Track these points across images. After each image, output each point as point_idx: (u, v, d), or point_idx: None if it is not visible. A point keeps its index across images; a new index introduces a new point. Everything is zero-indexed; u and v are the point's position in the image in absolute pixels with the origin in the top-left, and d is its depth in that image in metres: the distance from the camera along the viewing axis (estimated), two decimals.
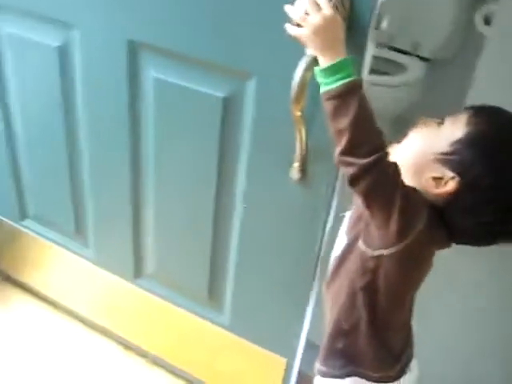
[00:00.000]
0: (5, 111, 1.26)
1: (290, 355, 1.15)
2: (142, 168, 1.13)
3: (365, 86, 0.75)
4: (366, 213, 0.78)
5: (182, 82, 0.97)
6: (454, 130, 0.78)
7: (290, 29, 0.76)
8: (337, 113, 0.73)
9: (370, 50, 0.79)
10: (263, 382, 1.23)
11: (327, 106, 0.74)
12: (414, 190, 0.78)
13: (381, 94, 2.13)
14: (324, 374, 0.94)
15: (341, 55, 0.73)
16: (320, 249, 1.01)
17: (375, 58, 2.34)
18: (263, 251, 1.08)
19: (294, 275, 1.08)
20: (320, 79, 0.75)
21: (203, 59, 0.94)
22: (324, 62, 0.73)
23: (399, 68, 2.28)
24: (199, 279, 1.19)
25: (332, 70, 0.73)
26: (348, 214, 0.93)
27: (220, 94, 0.94)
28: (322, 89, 0.74)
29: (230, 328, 1.21)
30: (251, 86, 0.91)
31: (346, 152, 0.72)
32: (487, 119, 0.79)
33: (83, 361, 1.45)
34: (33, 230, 1.44)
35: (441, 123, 0.81)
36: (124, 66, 1.01)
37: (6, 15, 1.13)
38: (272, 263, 1.09)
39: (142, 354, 1.46)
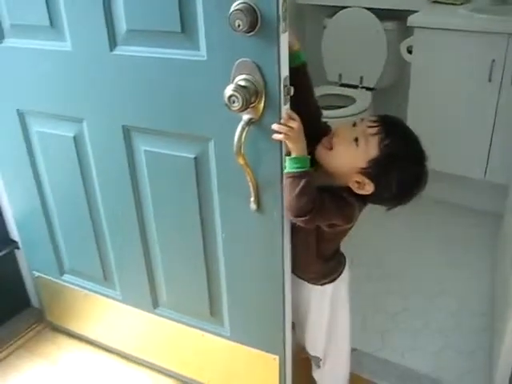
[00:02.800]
0: (40, 189, 1.60)
1: (280, 352, 1.41)
2: (145, 219, 1.44)
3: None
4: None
5: (164, 150, 1.29)
6: (369, 150, 1.15)
7: (278, 137, 1.09)
8: (292, 186, 1.11)
9: (283, 108, 1.09)
10: (262, 378, 1.49)
11: (288, 181, 1.12)
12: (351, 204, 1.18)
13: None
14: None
15: (304, 152, 1.11)
16: (283, 263, 1.27)
17: (329, 95, 2.75)
18: (243, 272, 1.35)
19: (269, 288, 1.32)
20: (288, 164, 1.11)
21: (177, 132, 1.25)
22: (294, 153, 1.10)
23: (350, 100, 2.62)
24: (201, 302, 1.47)
25: (297, 161, 1.11)
26: None
27: (191, 156, 1.26)
28: (287, 170, 1.12)
29: (231, 337, 1.48)
30: (211, 147, 1.22)
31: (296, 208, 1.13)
32: (392, 144, 1.14)
33: None
34: (70, 283, 1.76)
35: (355, 125, 1.19)
36: (121, 143, 1.34)
37: (33, 118, 1.48)
38: (252, 281, 1.35)
39: (171, 376, 1.72)
